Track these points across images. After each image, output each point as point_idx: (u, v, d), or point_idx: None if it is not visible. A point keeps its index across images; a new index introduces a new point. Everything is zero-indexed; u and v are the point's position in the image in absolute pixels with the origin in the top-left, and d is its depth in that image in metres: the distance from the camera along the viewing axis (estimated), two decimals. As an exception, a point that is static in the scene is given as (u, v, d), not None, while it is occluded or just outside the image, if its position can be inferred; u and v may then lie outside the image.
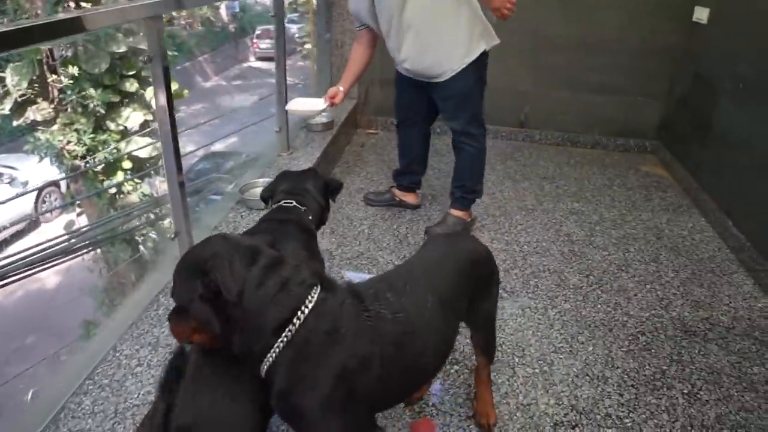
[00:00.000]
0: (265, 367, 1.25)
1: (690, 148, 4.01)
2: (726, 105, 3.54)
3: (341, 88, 3.06)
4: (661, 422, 2.04)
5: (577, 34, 4.27)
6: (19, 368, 7.63)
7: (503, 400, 2.07)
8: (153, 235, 7.39)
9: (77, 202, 7.54)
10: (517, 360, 2.26)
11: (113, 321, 2.07)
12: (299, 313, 1.25)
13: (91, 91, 6.22)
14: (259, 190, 2.89)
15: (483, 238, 3.13)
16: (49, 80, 6.15)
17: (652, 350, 2.39)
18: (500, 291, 2.62)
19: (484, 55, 2.74)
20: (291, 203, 2.05)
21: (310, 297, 1.27)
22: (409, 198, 3.40)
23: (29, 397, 6.88)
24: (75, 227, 7.51)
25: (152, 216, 6.55)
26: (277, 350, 1.23)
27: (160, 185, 7.79)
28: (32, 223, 10.15)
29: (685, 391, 2.18)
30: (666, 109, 4.43)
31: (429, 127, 3.21)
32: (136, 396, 1.69)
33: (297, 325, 1.24)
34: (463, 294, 1.61)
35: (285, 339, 1.23)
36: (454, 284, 1.57)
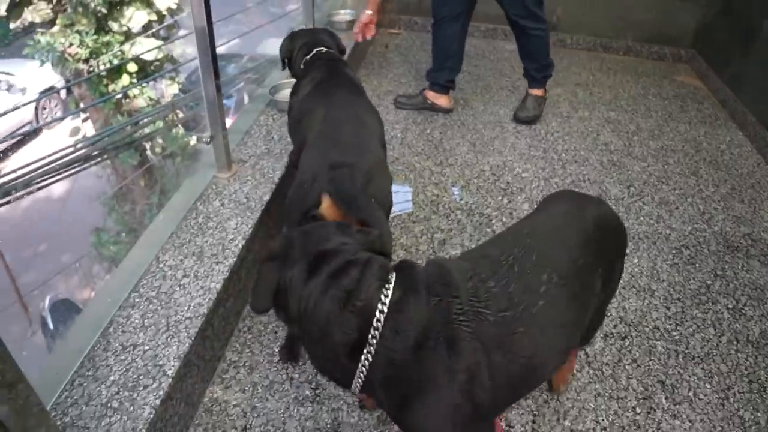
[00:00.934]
0: (357, 388, 1.08)
1: (729, 57, 3.82)
2: (777, 11, 3.34)
3: (369, 12, 2.98)
4: (708, 336, 2.02)
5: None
6: (37, 276, 7.74)
7: (551, 312, 2.04)
8: (186, 139, 7.26)
9: (81, 105, 7.33)
10: (562, 272, 2.22)
11: (152, 231, 1.98)
12: (372, 330, 1.02)
13: (92, -11, 5.90)
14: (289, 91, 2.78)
15: (519, 145, 3.03)
16: (45, -22, 5.82)
17: (696, 264, 2.35)
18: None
19: None
20: (323, 50, 2.19)
21: (380, 306, 1.03)
22: (442, 101, 3.28)
23: (46, 305, 7.01)
24: (81, 134, 7.36)
25: (168, 120, 6.36)
26: (362, 376, 1.04)
27: (166, 89, 7.55)
28: (33, 130, 9.96)
29: (730, 306, 2.16)
30: (704, 14, 4.19)
31: (468, 21, 3.17)
32: (186, 308, 1.63)
33: (375, 346, 1.02)
34: (592, 273, 1.27)
35: (366, 363, 1.03)
36: (580, 261, 1.23)
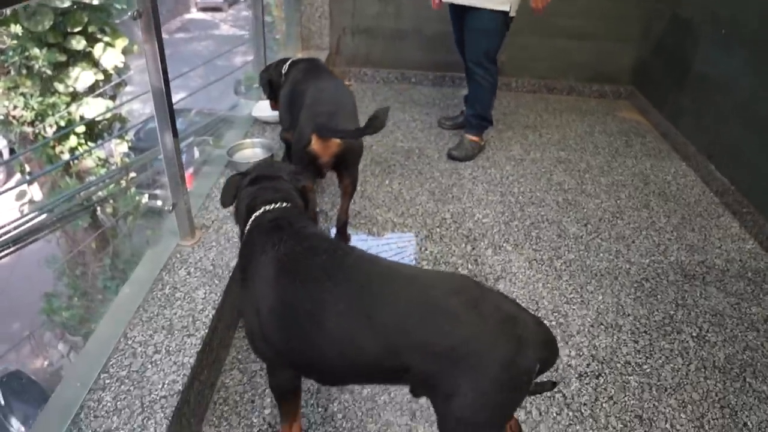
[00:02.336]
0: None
1: (666, 93, 4.03)
2: (706, 49, 3.55)
3: None
4: (677, 366, 2.08)
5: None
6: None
7: (525, 356, 2.06)
8: (138, 199, 7.10)
9: (28, 170, 7.12)
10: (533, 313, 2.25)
11: (118, 305, 1.93)
12: (252, 217, 1.62)
13: (36, 51, 5.78)
14: (248, 152, 2.79)
15: (477, 191, 3.10)
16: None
17: (658, 296, 2.42)
18: (506, 245, 2.63)
19: (509, 18, 3.10)
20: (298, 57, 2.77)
21: (257, 211, 1.63)
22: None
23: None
24: (27, 197, 7.13)
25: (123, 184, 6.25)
26: (245, 230, 1.67)
27: (115, 148, 7.42)
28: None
29: (694, 334, 2.23)
30: (640, 53, 4.43)
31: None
32: (160, 386, 1.58)
33: (249, 224, 1.62)
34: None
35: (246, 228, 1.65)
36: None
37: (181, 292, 1.95)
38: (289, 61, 2.74)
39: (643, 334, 2.21)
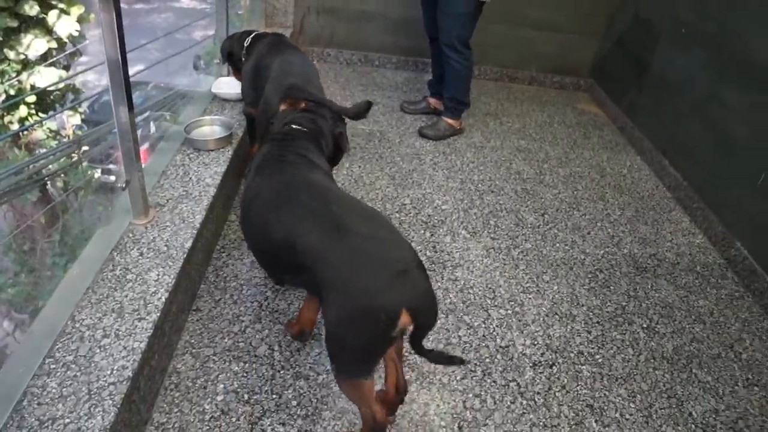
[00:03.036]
0: None
1: (625, 87, 4.09)
2: (666, 48, 3.61)
3: None
4: (628, 356, 2.13)
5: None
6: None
7: (482, 344, 2.08)
8: (90, 174, 6.86)
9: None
10: (489, 302, 2.28)
11: (65, 287, 1.85)
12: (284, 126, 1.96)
13: (-17, 16, 5.51)
14: (206, 129, 2.72)
15: (437, 177, 3.09)
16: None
17: (611, 287, 2.47)
18: (464, 232, 2.64)
19: (481, 2, 3.14)
20: (261, 31, 2.78)
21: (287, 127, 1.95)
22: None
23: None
24: (-28, 168, 6.82)
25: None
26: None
27: (68, 119, 7.14)
28: None
29: (644, 326, 2.29)
30: (601, 47, 4.48)
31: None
32: (109, 372, 1.52)
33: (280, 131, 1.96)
34: None
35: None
36: None
37: (133, 274, 1.88)
38: (253, 35, 2.69)
39: (596, 324, 2.26)
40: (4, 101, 5.96)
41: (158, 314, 1.75)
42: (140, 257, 1.95)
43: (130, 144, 1.94)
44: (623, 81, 4.12)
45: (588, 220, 2.93)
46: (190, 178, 2.38)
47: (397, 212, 2.75)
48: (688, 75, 3.34)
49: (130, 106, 1.89)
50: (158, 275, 1.88)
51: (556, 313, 2.28)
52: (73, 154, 6.53)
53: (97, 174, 7.53)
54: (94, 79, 13.59)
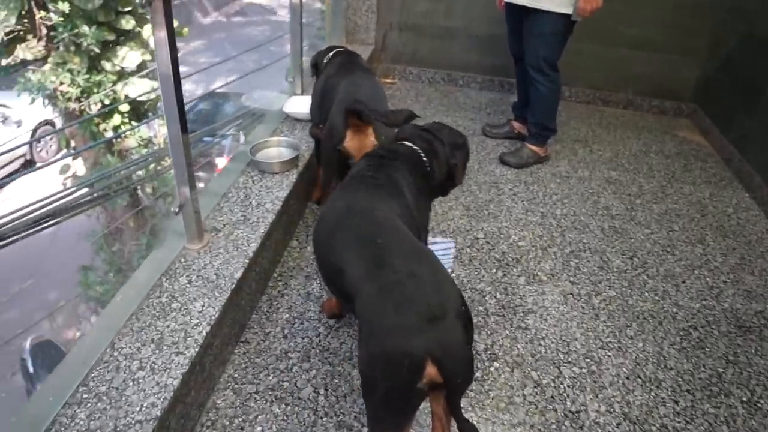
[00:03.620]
0: None
1: (732, 114, 3.69)
2: (784, 70, 3.22)
3: None
4: (722, 435, 1.83)
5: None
6: (20, 315, 7.50)
7: (549, 406, 1.85)
8: (156, 202, 7.12)
9: (72, 145, 7.20)
10: (562, 357, 2.03)
11: (110, 311, 1.80)
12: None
13: (85, 29, 5.78)
14: (272, 151, 2.63)
15: (516, 209, 2.87)
16: (38, 17, 5.70)
17: (706, 349, 2.16)
18: (541, 274, 2.40)
19: (572, 22, 2.93)
20: (341, 48, 2.73)
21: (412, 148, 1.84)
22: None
23: (27, 346, 6.77)
24: (71, 171, 7.21)
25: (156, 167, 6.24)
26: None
27: (159, 128, 7.43)
28: (27, 162, 9.83)
29: (744, 399, 1.97)
30: (705, 69, 4.09)
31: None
32: (138, 409, 1.44)
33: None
34: None
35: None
36: None
37: (178, 302, 1.80)
38: (334, 51, 2.66)
39: (685, 393, 1.96)
40: (99, 110, 6.24)
41: (197, 349, 1.65)
42: (188, 285, 1.87)
43: (183, 167, 1.87)
44: (732, 107, 3.72)
45: (684, 266, 2.60)
46: (251, 202, 2.30)
47: (468, 247, 2.55)
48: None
49: (184, 126, 1.82)
50: (203, 306, 1.79)
51: (639, 376, 2.00)
52: (162, 161, 6.76)
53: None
54: (191, 89, 14.21)
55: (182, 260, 1.98)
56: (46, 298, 8.48)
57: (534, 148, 3.28)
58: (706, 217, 3.02)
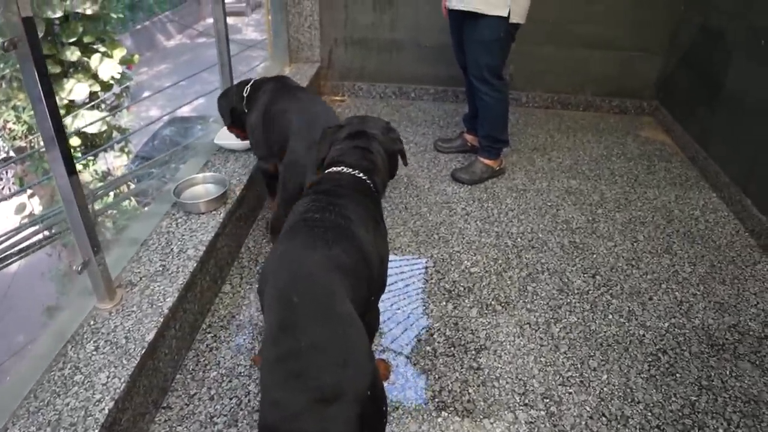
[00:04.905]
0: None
1: (695, 110, 3.55)
2: (742, 63, 3.08)
3: None
4: (698, 477, 1.65)
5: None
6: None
7: (504, 461, 1.66)
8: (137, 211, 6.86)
9: (25, 183, 6.93)
10: (518, 399, 1.84)
11: (7, 389, 1.58)
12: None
13: (27, 63, 5.53)
14: (199, 189, 2.43)
15: (469, 231, 2.68)
16: (-27, 54, 5.46)
17: (677, 375, 1.98)
18: (495, 304, 2.23)
19: (513, 26, 2.76)
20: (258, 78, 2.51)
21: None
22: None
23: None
24: (27, 210, 6.93)
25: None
26: None
27: (115, 161, 7.18)
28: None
29: (721, 431, 1.79)
30: (665, 65, 3.95)
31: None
32: None
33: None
34: None
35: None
36: None
37: (82, 374, 1.59)
38: (251, 83, 2.44)
39: (656, 429, 1.78)
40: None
41: (97, 430, 1.44)
42: (95, 352, 1.66)
43: (78, 217, 1.66)
44: (693, 103, 3.59)
45: (650, 280, 2.43)
46: (172, 249, 2.09)
47: (416, 278, 2.36)
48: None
49: (71, 168, 1.60)
50: (108, 377, 1.58)
51: (604, 414, 1.82)
52: (120, 192, 6.52)
53: (146, 209, 7.50)
54: (156, 114, 13.93)
55: (91, 323, 1.77)
56: (14, 340, 8.17)
57: (487, 162, 3.10)
58: (672, 222, 2.86)
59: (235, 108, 2.47)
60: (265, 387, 1.11)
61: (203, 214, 2.28)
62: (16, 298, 7.90)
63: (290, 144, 2.12)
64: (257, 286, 1.57)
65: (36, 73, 1.45)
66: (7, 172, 9.50)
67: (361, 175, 1.61)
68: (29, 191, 7.21)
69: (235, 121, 2.51)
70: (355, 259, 1.37)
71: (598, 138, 3.73)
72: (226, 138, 2.71)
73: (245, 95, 2.42)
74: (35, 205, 7.10)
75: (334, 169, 1.63)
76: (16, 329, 7.79)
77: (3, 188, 9.92)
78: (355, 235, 1.42)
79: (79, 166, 6.38)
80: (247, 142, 2.65)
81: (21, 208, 6.99)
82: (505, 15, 2.67)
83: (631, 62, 3.99)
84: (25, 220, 7.02)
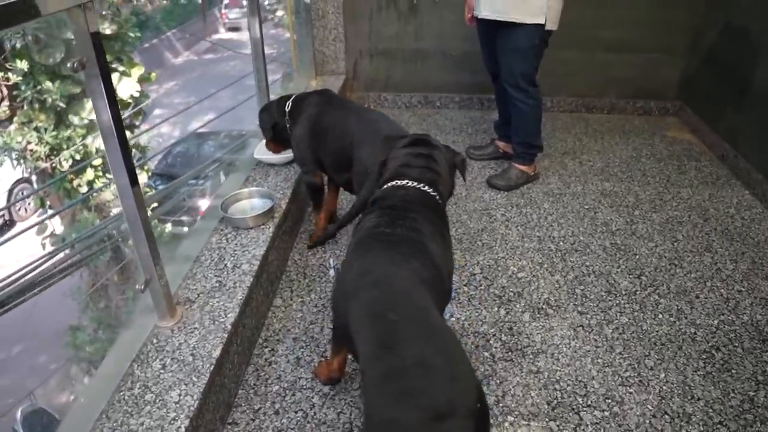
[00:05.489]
0: None
1: (721, 109, 3.57)
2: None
3: None
4: (767, 472, 1.66)
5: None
6: (10, 383, 7.25)
7: (574, 463, 1.67)
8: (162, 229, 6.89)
9: (48, 204, 6.98)
10: (580, 401, 1.86)
11: (77, 410, 1.61)
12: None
13: (48, 84, 5.61)
14: (245, 204, 2.46)
15: (511, 236, 2.70)
16: (-4, 77, 5.53)
17: (733, 371, 1.99)
18: (546, 307, 2.24)
19: (547, 32, 2.80)
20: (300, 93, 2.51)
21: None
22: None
23: (18, 417, 6.52)
24: (48, 230, 6.99)
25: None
26: None
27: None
28: (6, 222, 9.60)
29: (784, 424, 1.80)
30: (688, 65, 3.97)
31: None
32: None
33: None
34: None
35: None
36: None
37: (153, 393, 1.61)
38: (293, 98, 2.45)
39: (719, 426, 1.79)
40: (71, 166, 6.04)
41: (177, 449, 1.47)
42: (162, 371, 1.68)
43: (141, 234, 1.68)
44: (718, 101, 3.60)
45: (694, 279, 2.45)
46: (225, 264, 2.12)
47: (465, 285, 2.38)
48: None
49: (134, 179, 1.62)
50: (180, 395, 1.60)
51: (666, 412, 1.83)
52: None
53: (168, 227, 7.56)
54: (168, 131, 14.03)
55: (154, 341, 1.79)
56: (37, 362, 8.22)
57: (522, 167, 3.12)
58: (709, 221, 2.87)
59: (277, 123, 2.49)
60: (373, 406, 1.11)
61: (252, 228, 2.30)
62: (37, 322, 7.97)
63: (357, 155, 2.12)
64: (331, 302, 1.59)
65: (104, 94, 1.48)
66: (24, 193, 9.61)
67: (426, 188, 1.62)
68: (50, 211, 7.27)
69: (275, 136, 2.54)
70: (432, 274, 1.39)
71: (625, 140, 3.75)
72: (264, 152, 2.74)
73: (287, 110, 2.44)
74: (56, 225, 7.16)
75: (398, 183, 1.63)
76: (42, 352, 7.86)
77: (19, 209, 10.02)
78: (428, 249, 1.44)
79: (101, 184, 6.45)
80: (286, 156, 2.69)
81: (42, 228, 7.05)
82: (542, 22, 2.70)
83: (653, 64, 4.01)
84: (46, 242, 7.08)
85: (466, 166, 1.87)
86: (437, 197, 1.64)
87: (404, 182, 1.63)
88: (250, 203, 2.44)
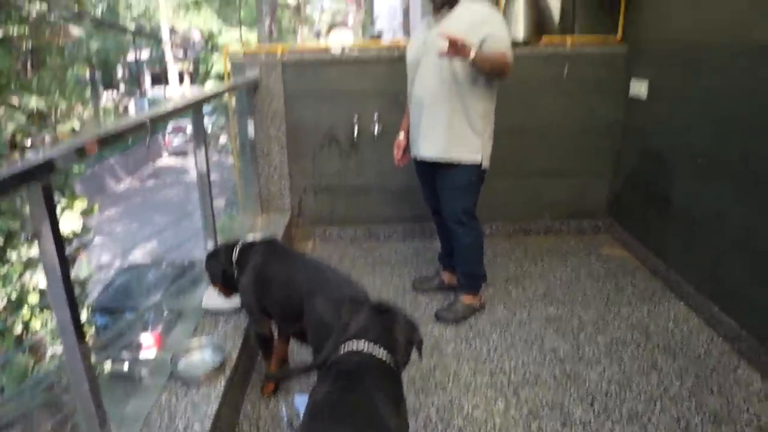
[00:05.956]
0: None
1: (647, 225, 3.82)
2: (685, 180, 3.36)
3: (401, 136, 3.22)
4: None
5: (519, 120, 4.04)
6: None
7: None
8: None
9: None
10: None
11: None
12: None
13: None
14: (196, 356, 2.42)
15: (463, 372, 2.72)
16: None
17: (693, 501, 2.01)
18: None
19: (483, 170, 2.95)
20: (248, 240, 2.53)
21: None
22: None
23: None
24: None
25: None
26: None
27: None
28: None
29: None
30: (613, 185, 4.28)
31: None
32: None
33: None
34: None
35: None
36: None
37: None
38: (239, 245, 2.48)
39: None
40: (5, 307, 5.80)
41: None
42: None
43: (88, 399, 1.64)
44: (644, 218, 3.85)
45: (644, 401, 2.50)
46: (177, 426, 2.04)
47: (422, 429, 2.35)
48: (717, 208, 3.03)
49: (80, 334, 1.60)
50: None
51: None
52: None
53: (107, 366, 7.22)
54: (108, 260, 13.72)
55: None
56: None
57: (468, 300, 3.20)
58: (651, 338, 2.98)
59: (226, 270, 2.50)
60: None
61: (202, 384, 2.25)
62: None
63: (308, 306, 2.12)
64: None
65: (59, 266, 1.49)
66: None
67: (382, 353, 1.65)
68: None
69: (225, 282, 2.55)
70: None
71: (564, 261, 3.92)
72: (213, 300, 2.73)
73: (234, 259, 2.47)
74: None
75: (356, 347, 1.66)
76: None
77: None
78: (382, 421, 1.46)
79: (37, 324, 6.17)
80: (234, 302, 2.69)
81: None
82: (479, 161, 2.88)
83: (583, 186, 4.30)
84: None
85: (422, 344, 1.86)
86: (395, 368, 1.67)
87: (362, 346, 1.65)
88: (201, 355, 2.40)
